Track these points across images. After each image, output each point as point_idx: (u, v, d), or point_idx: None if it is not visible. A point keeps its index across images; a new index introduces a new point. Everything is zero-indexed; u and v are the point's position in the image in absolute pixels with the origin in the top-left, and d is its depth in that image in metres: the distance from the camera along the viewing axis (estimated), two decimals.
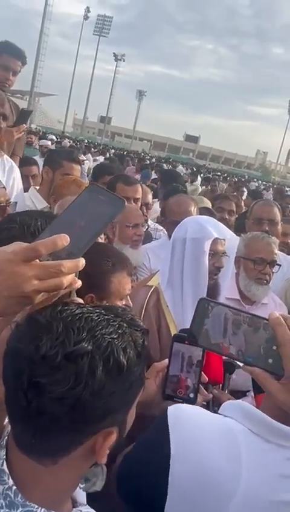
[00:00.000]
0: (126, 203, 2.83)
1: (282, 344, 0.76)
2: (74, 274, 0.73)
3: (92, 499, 0.95)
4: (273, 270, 2.38)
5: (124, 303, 1.72)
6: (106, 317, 0.76)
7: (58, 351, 0.69)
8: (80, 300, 0.82)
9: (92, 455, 0.76)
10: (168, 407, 1.02)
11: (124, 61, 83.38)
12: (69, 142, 20.32)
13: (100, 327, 0.74)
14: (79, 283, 0.77)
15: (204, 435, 0.94)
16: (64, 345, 0.69)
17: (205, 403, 1.44)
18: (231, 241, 1.95)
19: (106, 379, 0.71)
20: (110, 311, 0.79)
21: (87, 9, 76.26)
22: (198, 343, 0.83)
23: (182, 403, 1.25)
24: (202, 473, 0.89)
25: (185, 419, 0.98)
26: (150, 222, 3.72)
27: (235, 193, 8.01)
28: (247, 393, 2.10)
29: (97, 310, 0.77)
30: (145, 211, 3.55)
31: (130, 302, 1.81)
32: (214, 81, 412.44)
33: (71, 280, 0.72)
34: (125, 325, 0.78)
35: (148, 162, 17.76)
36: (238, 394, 2.06)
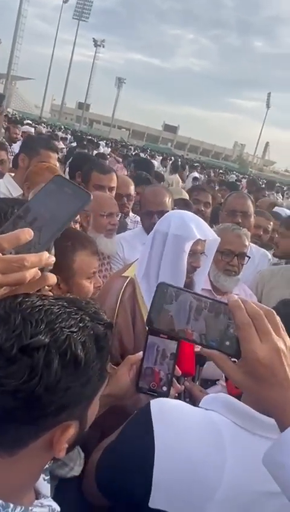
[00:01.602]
0: (96, 194, 2.81)
1: (239, 327, 0.77)
2: (36, 268, 0.71)
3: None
4: (243, 262, 2.40)
5: (91, 282, 1.72)
6: (68, 309, 0.75)
7: (14, 344, 0.68)
8: (50, 294, 0.80)
9: (52, 448, 0.75)
10: (151, 401, 1.02)
11: (103, 47, 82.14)
12: (44, 127, 19.99)
13: (60, 320, 0.72)
14: (54, 279, 0.77)
15: (188, 428, 0.95)
16: (21, 337, 0.68)
17: (176, 395, 1.47)
18: (211, 241, 1.95)
19: (61, 373, 0.70)
20: (73, 303, 0.78)
21: None
22: (159, 329, 0.83)
23: (155, 395, 1.26)
24: (186, 465, 0.90)
25: (169, 412, 0.98)
26: (131, 214, 3.69)
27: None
28: (216, 382, 2.14)
29: (59, 302, 0.76)
30: (126, 202, 3.53)
31: (100, 280, 1.81)
32: (194, 72, 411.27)
33: (34, 274, 0.71)
34: (87, 318, 0.77)
35: (126, 151, 17.63)
36: (208, 383, 2.10)
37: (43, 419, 0.72)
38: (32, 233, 0.71)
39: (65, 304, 0.76)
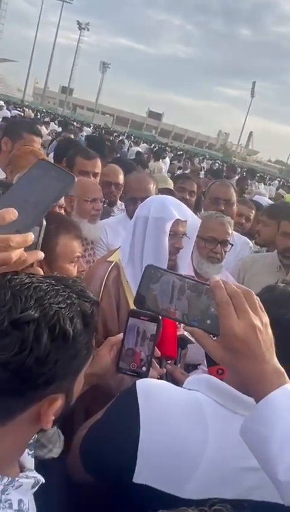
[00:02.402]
0: (80, 179, 2.80)
1: (218, 304, 0.82)
2: (22, 248, 0.74)
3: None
4: (226, 250, 2.44)
5: (75, 266, 1.73)
6: (55, 287, 0.78)
7: (5, 318, 0.71)
8: (40, 271, 0.83)
9: (38, 421, 0.78)
10: (136, 380, 1.06)
11: (88, 30, 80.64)
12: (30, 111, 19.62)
13: (48, 296, 0.75)
14: (41, 254, 0.79)
15: (172, 404, 0.98)
16: (11, 312, 0.71)
17: (159, 377, 1.50)
18: (192, 223, 1.98)
19: (50, 347, 0.73)
20: (60, 281, 0.81)
21: None
22: (144, 307, 0.87)
23: (135, 375, 1.29)
24: (171, 440, 0.93)
25: (154, 390, 1.02)
26: (119, 202, 3.68)
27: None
28: (198, 367, 2.18)
29: (47, 280, 0.79)
30: (114, 190, 3.52)
31: (83, 265, 1.82)
32: (180, 58, 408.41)
33: (20, 254, 0.74)
34: (74, 295, 0.80)
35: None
36: (190, 367, 2.13)
37: (32, 391, 0.75)
38: (17, 213, 0.73)
39: (53, 281, 0.79)
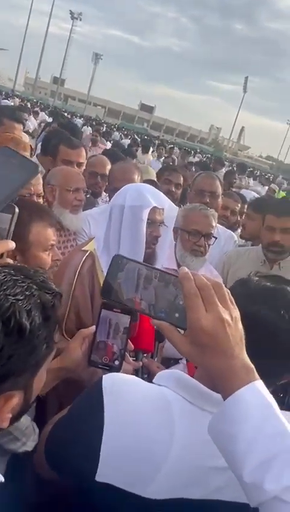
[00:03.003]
0: (63, 168, 2.74)
1: (186, 296, 0.78)
2: None
3: None
4: (210, 243, 2.41)
5: (49, 255, 1.71)
6: (14, 277, 0.75)
7: None
8: (10, 261, 0.80)
9: None
10: (103, 375, 1.02)
11: (80, 20, 79.83)
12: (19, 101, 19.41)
13: (5, 287, 0.72)
14: (12, 244, 0.77)
15: (138, 403, 0.95)
16: None
17: (134, 371, 1.46)
18: (170, 211, 1.95)
19: (4, 341, 0.69)
20: (20, 271, 0.77)
21: None
22: (111, 298, 0.83)
23: (107, 369, 1.27)
24: (135, 439, 0.90)
25: (120, 386, 0.99)
26: (103, 194, 3.64)
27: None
28: (179, 361, 2.16)
29: (5, 270, 0.75)
30: (100, 181, 3.48)
31: (59, 255, 1.80)
32: (174, 52, 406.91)
33: None
34: (35, 286, 0.76)
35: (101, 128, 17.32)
36: (171, 361, 2.12)
37: None
38: None
39: (12, 271, 0.76)
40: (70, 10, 78.43)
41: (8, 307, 0.70)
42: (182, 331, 0.81)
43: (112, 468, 0.89)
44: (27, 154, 2.65)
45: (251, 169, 18.64)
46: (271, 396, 0.77)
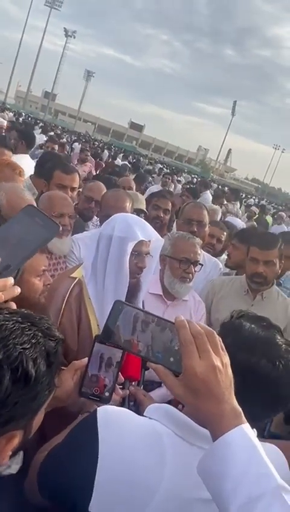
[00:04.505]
0: (49, 193, 2.77)
1: (182, 344, 0.85)
2: (1, 292, 0.75)
3: None
4: (196, 270, 2.49)
5: (41, 280, 1.73)
6: (22, 325, 0.78)
7: None
8: (13, 306, 0.82)
9: None
10: (97, 408, 1.06)
11: (74, 37, 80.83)
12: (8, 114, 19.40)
13: (14, 336, 0.76)
14: (18, 290, 0.79)
15: (131, 436, 0.99)
16: None
17: (121, 399, 1.50)
18: (155, 242, 1.99)
19: (12, 388, 0.73)
20: (27, 318, 0.81)
21: None
22: (110, 340, 0.89)
23: (98, 400, 1.30)
24: (128, 472, 0.94)
25: (114, 420, 1.02)
26: (95, 218, 3.67)
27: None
28: (162, 384, 2.21)
29: (14, 318, 0.79)
30: (94, 206, 3.51)
31: (50, 278, 1.82)
32: (165, 73, 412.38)
33: None
34: (40, 334, 0.80)
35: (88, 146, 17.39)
36: (154, 385, 2.15)
37: None
38: (0, 258, 0.75)
39: (19, 319, 0.80)
40: (64, 27, 79.50)
41: (17, 356, 0.74)
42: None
43: (106, 499, 0.93)
44: (22, 179, 2.70)
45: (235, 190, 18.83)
46: (257, 439, 0.84)
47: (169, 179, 10.49)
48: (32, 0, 69.98)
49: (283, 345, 1.16)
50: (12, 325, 0.77)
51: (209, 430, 0.86)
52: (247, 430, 0.83)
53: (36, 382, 0.77)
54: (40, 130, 15.47)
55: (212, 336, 0.87)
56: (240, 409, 0.85)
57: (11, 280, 0.77)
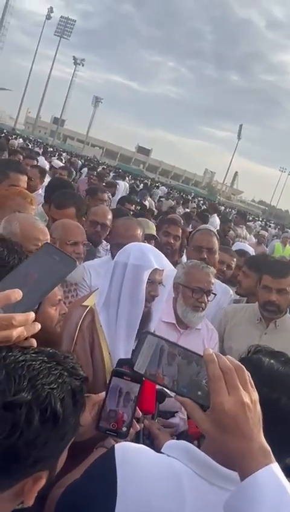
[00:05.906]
0: (63, 221, 2.82)
1: (211, 379, 0.83)
2: (23, 327, 0.75)
3: None
4: (209, 299, 2.48)
5: (56, 310, 1.76)
6: (48, 365, 0.78)
7: None
8: (34, 343, 0.83)
9: (20, 496, 0.78)
10: (115, 445, 1.04)
11: (83, 65, 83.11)
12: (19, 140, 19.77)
13: (41, 376, 0.76)
14: (38, 326, 0.80)
15: (150, 474, 0.97)
16: (4, 393, 0.71)
17: (136, 433, 1.48)
18: (169, 272, 2.01)
19: (41, 429, 0.73)
20: (53, 358, 0.81)
21: (50, 9, 75.40)
22: (136, 371, 0.87)
23: (114, 435, 1.29)
24: (147, 511, 0.92)
25: (132, 457, 1.00)
26: (104, 243, 3.71)
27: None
28: (175, 414, 2.17)
29: (40, 357, 0.79)
30: (100, 230, 3.54)
31: (65, 308, 1.84)
32: (171, 98, 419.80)
33: (20, 333, 0.75)
34: (66, 373, 0.80)
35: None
36: (167, 415, 2.13)
37: (18, 471, 0.74)
38: (21, 294, 0.75)
39: (45, 358, 0.80)
40: (73, 56, 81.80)
41: (45, 396, 0.74)
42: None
43: None
44: (34, 207, 2.73)
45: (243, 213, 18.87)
46: (285, 479, 0.81)
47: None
48: (43, 30, 72.42)
49: None
50: (39, 365, 0.77)
51: (237, 468, 0.83)
52: (276, 470, 0.81)
53: (64, 422, 0.77)
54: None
55: (242, 372, 0.85)
56: (269, 448, 0.82)
57: (32, 315, 0.77)
